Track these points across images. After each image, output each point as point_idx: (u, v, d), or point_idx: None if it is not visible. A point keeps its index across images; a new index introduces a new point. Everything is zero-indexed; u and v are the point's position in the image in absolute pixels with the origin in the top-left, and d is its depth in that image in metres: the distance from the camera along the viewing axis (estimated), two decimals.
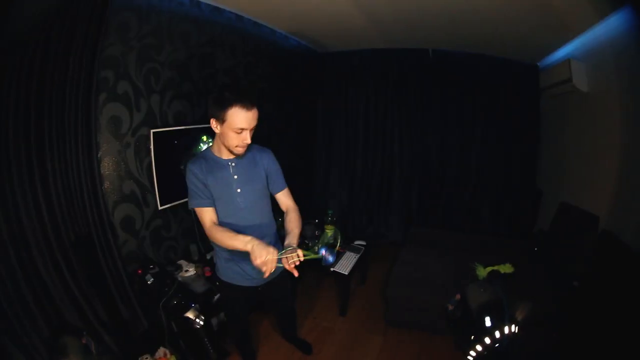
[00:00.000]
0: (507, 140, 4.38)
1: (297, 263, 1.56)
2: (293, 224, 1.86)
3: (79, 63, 1.92)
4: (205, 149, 1.87)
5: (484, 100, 4.38)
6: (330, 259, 1.64)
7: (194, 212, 1.82)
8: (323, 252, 1.63)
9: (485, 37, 3.53)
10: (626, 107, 2.60)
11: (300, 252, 1.55)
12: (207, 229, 1.77)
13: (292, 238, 1.76)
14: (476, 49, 4.11)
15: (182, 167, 2.68)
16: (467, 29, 3.40)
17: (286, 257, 1.54)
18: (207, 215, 1.77)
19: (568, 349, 2.11)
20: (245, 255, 1.90)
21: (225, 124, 1.60)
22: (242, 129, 1.60)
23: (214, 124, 1.65)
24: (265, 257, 1.50)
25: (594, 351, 1.97)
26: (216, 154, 1.79)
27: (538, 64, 4.07)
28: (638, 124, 2.47)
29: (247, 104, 1.56)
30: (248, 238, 1.60)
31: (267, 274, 1.52)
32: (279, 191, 1.99)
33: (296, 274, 1.57)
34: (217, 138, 1.75)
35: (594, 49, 2.89)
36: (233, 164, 1.79)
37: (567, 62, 3.09)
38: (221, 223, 1.82)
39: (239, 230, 1.82)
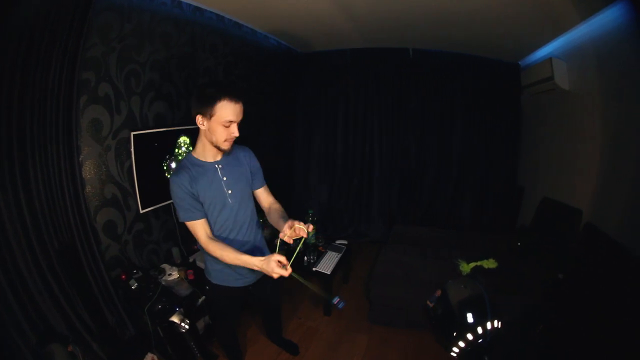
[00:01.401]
0: (488, 138, 4.49)
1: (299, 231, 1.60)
2: (281, 212, 1.88)
3: (61, 65, 1.86)
4: (187, 156, 1.79)
5: (464, 98, 4.47)
6: (341, 305, 1.71)
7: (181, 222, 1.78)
8: (335, 301, 1.73)
9: (467, 37, 3.60)
10: (607, 104, 2.70)
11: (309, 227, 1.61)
12: (204, 244, 1.70)
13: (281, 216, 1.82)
14: (457, 49, 4.18)
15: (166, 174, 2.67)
16: (449, 30, 3.46)
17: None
18: (200, 228, 1.70)
19: (554, 340, 2.19)
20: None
21: (214, 119, 1.59)
22: (231, 122, 1.61)
23: (200, 120, 1.62)
24: (273, 270, 1.51)
25: (580, 341, 2.05)
26: (201, 158, 1.76)
27: (519, 62, 4.18)
28: (618, 119, 2.56)
29: (235, 96, 1.58)
30: (249, 258, 1.59)
31: (276, 276, 1.54)
32: (260, 187, 2.00)
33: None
34: (200, 140, 1.72)
35: (575, 48, 2.98)
36: (220, 166, 1.78)
37: (548, 60, 3.17)
38: (215, 226, 1.79)
39: (232, 229, 1.84)
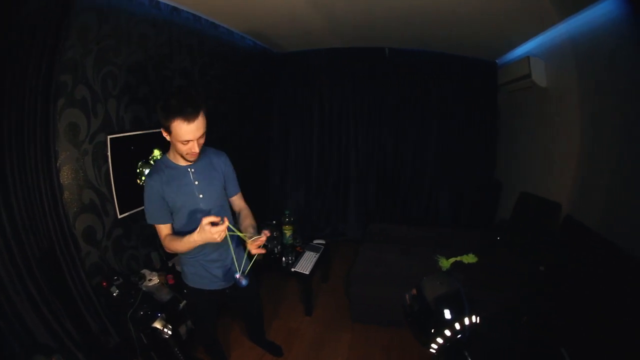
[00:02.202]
0: (465, 135, 4.60)
1: (262, 242, 1.68)
2: (248, 216, 1.97)
3: (38, 67, 1.80)
4: (162, 156, 1.83)
5: (441, 96, 4.57)
6: (243, 282, 1.69)
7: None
8: (237, 276, 1.68)
9: (444, 37, 3.68)
10: (584, 100, 2.78)
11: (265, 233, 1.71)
12: (163, 241, 1.79)
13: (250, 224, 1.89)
14: (434, 47, 4.26)
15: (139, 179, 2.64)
16: (426, 30, 3.52)
17: (251, 239, 1.68)
18: (164, 229, 1.79)
19: (539, 331, 2.26)
20: (211, 259, 1.93)
21: (172, 136, 1.59)
22: (188, 141, 1.59)
23: (164, 134, 1.62)
24: (212, 234, 1.52)
25: (566, 332, 2.14)
26: (173, 160, 1.78)
27: (496, 61, 4.29)
28: (596, 115, 2.66)
29: (188, 116, 1.51)
30: (190, 236, 1.60)
31: (220, 238, 1.54)
32: (234, 194, 2.05)
33: (261, 251, 1.68)
34: (172, 145, 1.73)
35: (554, 47, 3.08)
36: (192, 170, 1.79)
37: (526, 59, 3.29)
38: (186, 232, 1.77)
39: None
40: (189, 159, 1.71)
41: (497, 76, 4.21)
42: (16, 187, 1.77)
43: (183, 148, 1.62)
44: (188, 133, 1.55)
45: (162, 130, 1.61)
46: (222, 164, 1.93)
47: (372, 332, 3.02)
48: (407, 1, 2.81)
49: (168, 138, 1.63)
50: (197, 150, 1.65)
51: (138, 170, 2.66)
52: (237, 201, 2.06)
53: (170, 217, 1.78)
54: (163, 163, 1.77)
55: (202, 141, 1.66)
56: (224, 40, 3.66)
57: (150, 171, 1.76)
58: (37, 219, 1.89)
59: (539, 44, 3.31)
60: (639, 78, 2.17)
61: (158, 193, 1.70)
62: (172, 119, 1.52)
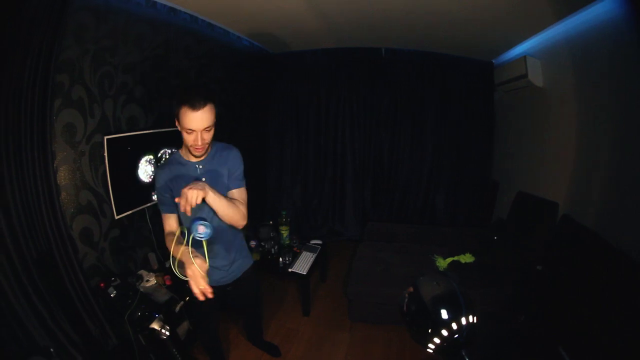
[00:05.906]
0: (461, 134, 4.61)
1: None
2: None
3: (35, 67, 1.79)
4: (175, 152, 1.86)
5: (437, 96, 4.56)
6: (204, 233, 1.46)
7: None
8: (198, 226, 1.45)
9: (441, 37, 3.69)
10: (581, 100, 2.78)
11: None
12: (165, 235, 1.82)
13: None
14: (430, 48, 4.27)
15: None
16: (423, 31, 3.53)
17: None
18: (167, 221, 1.83)
19: (536, 331, 2.27)
20: (212, 256, 1.87)
21: (180, 125, 1.61)
22: (192, 130, 1.58)
23: (176, 123, 1.64)
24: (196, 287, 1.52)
25: (562, 331, 2.15)
26: (184, 156, 1.79)
27: (493, 60, 4.30)
28: (592, 114, 2.66)
29: (194, 104, 1.53)
30: (187, 255, 1.52)
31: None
32: (233, 188, 1.87)
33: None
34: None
35: (550, 47, 3.09)
36: (200, 166, 1.78)
37: (522, 58, 3.29)
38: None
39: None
40: (194, 153, 1.71)
41: (494, 76, 4.19)
42: (13, 188, 1.76)
43: (188, 138, 1.62)
44: (192, 121, 1.56)
45: (176, 120, 1.64)
46: (230, 158, 1.86)
47: (371, 330, 3.01)
48: (403, 2, 2.82)
49: (179, 128, 1.65)
50: (200, 144, 1.63)
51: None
52: (235, 197, 1.84)
53: (174, 208, 1.78)
54: (174, 158, 1.81)
55: (206, 136, 1.64)
56: (220, 41, 3.65)
57: (162, 163, 1.85)
58: (35, 220, 1.87)
59: (536, 43, 3.32)
60: (636, 77, 2.19)
61: (165, 184, 1.75)
62: (180, 106, 1.55)
